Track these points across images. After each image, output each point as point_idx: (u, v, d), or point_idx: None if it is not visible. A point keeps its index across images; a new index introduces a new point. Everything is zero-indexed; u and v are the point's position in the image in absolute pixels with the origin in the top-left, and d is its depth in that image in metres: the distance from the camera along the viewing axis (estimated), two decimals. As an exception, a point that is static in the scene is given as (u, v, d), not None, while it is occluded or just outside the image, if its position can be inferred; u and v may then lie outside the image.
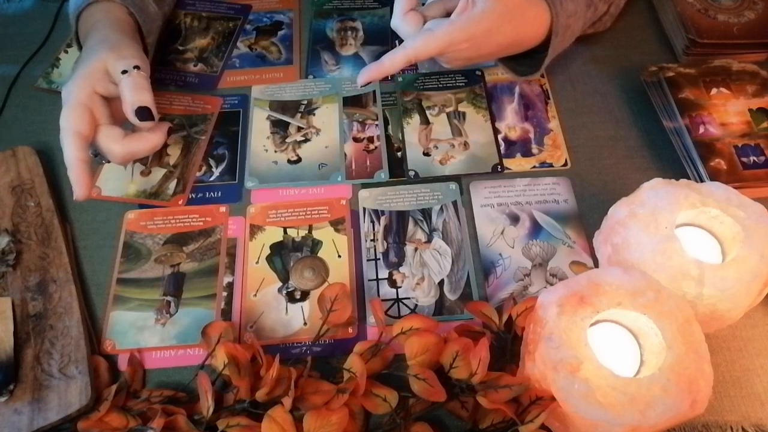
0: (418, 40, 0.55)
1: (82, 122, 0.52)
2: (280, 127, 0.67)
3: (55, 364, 0.49)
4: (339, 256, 0.57)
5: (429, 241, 0.58)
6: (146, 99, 0.54)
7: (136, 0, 0.63)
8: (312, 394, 0.45)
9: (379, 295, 0.55)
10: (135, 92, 0.53)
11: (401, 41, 0.56)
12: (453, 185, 0.61)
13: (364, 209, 0.60)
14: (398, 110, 0.67)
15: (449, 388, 0.45)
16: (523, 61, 0.62)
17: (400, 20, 0.57)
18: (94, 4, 0.60)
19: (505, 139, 0.65)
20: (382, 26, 0.76)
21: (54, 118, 0.67)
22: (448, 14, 0.58)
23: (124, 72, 0.53)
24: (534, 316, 0.45)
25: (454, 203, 0.60)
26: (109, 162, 0.58)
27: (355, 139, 0.65)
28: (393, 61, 0.55)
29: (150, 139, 0.56)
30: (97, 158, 0.57)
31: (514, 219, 0.59)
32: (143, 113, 0.54)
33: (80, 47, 0.62)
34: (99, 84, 0.54)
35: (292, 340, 0.53)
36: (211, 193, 0.62)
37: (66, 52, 0.73)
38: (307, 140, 0.65)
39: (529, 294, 0.54)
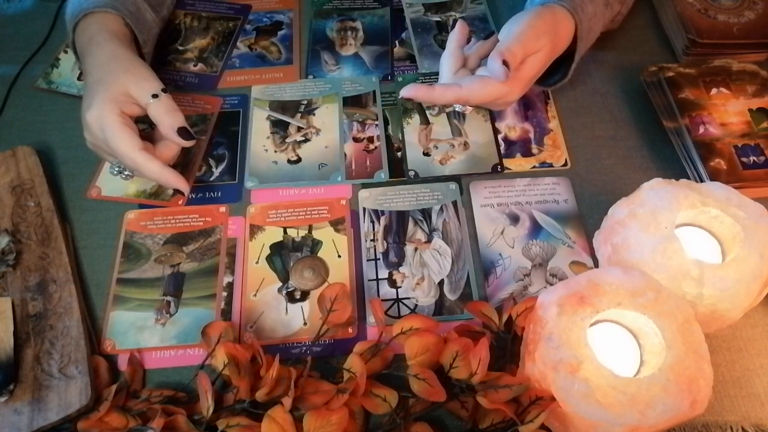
0: (475, 84, 0.55)
1: (136, 139, 0.54)
2: (280, 127, 0.66)
3: (55, 364, 0.49)
4: (339, 256, 0.57)
5: (429, 241, 0.58)
6: (182, 119, 0.57)
7: (132, 10, 0.63)
8: (312, 394, 0.45)
9: (379, 295, 0.55)
10: (172, 115, 0.56)
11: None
12: (453, 185, 0.61)
13: (364, 209, 0.60)
14: (398, 110, 0.67)
15: (449, 388, 0.45)
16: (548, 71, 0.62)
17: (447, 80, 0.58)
18: (90, 15, 0.60)
19: (505, 139, 0.65)
20: (382, 26, 0.76)
21: (54, 118, 0.68)
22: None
23: (154, 96, 0.56)
24: (534, 316, 0.45)
25: (454, 203, 0.60)
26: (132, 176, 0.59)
27: (355, 139, 0.65)
28: (444, 93, 0.55)
29: (170, 145, 0.57)
30: (124, 174, 0.58)
31: (514, 219, 0.59)
32: (185, 133, 0.56)
33: (76, 55, 0.62)
34: (125, 106, 0.55)
35: (292, 340, 0.53)
36: (211, 193, 0.62)
37: (66, 52, 0.73)
38: (307, 140, 0.65)
39: (529, 294, 0.54)
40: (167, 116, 0.56)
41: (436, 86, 0.55)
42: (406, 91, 0.55)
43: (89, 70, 0.57)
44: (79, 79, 0.71)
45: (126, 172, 0.58)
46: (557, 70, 0.62)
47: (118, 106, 0.54)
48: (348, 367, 0.46)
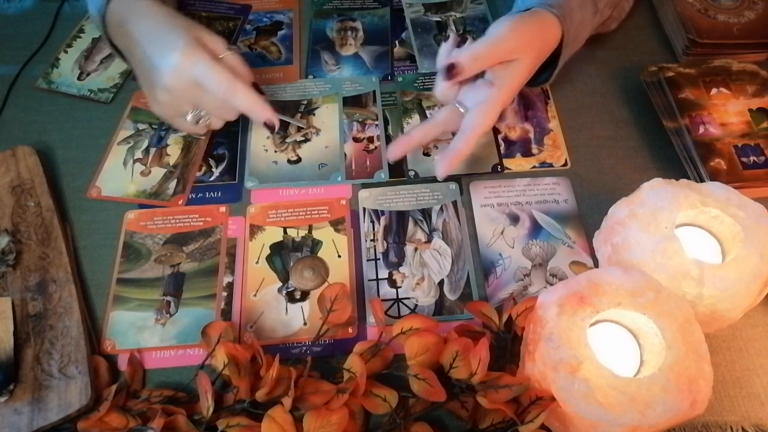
0: (480, 119, 0.55)
1: (229, 72, 0.54)
2: (279, 127, 0.66)
3: (55, 364, 0.49)
4: (339, 256, 0.57)
5: (429, 241, 0.58)
6: (251, 75, 0.58)
7: None
8: (312, 394, 0.45)
9: (379, 295, 0.55)
10: (247, 68, 0.57)
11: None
12: (453, 185, 0.61)
13: (364, 209, 0.60)
14: (398, 110, 0.67)
15: (449, 388, 0.45)
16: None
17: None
18: None
19: (505, 139, 0.65)
20: (382, 26, 0.76)
21: (54, 118, 0.68)
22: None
23: (227, 48, 0.56)
24: (534, 316, 0.45)
25: (454, 203, 0.60)
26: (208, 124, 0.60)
27: (355, 139, 0.65)
28: (468, 144, 0.55)
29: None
30: (202, 122, 0.59)
31: (514, 219, 0.59)
32: (257, 87, 0.58)
33: (107, 33, 0.60)
34: (205, 50, 0.55)
35: (292, 340, 0.53)
36: (211, 193, 0.62)
37: (66, 52, 0.73)
38: (307, 140, 0.65)
39: (529, 294, 0.54)
40: (243, 69, 0.56)
41: (460, 146, 0.55)
42: (443, 170, 0.55)
43: (144, 32, 0.55)
44: (79, 78, 0.71)
45: (205, 119, 0.58)
46: (544, 70, 0.62)
47: (200, 47, 0.54)
48: (348, 367, 0.47)
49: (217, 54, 0.55)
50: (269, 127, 0.57)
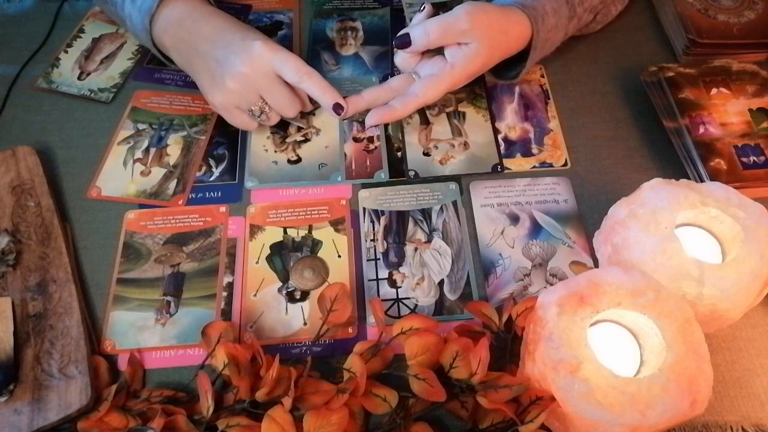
0: (428, 87, 0.57)
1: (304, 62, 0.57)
2: (280, 127, 0.66)
3: (55, 364, 0.49)
4: (339, 256, 0.57)
5: (429, 241, 0.58)
6: (335, 92, 0.59)
7: None
8: (312, 394, 0.45)
9: (379, 295, 0.55)
10: (325, 90, 0.58)
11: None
12: (453, 185, 0.61)
13: (364, 209, 0.60)
14: (398, 110, 0.67)
15: (449, 388, 0.45)
16: (502, 64, 0.63)
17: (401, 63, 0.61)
18: (165, 2, 0.59)
19: (505, 139, 0.65)
20: (382, 26, 0.76)
21: (54, 118, 0.68)
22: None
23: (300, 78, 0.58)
24: (534, 316, 0.45)
25: (454, 203, 0.60)
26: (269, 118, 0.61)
27: (355, 139, 0.65)
28: (405, 107, 0.58)
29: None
30: (265, 115, 0.60)
31: (514, 219, 0.59)
32: (339, 107, 0.59)
33: (153, 41, 0.61)
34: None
35: (292, 340, 0.53)
36: (211, 193, 0.62)
37: (66, 52, 0.73)
38: (307, 140, 0.65)
39: (529, 294, 0.54)
40: (321, 94, 0.58)
41: (395, 105, 0.57)
42: (371, 119, 0.58)
43: (218, 27, 0.58)
44: (79, 78, 0.71)
45: (266, 113, 0.59)
46: (515, 64, 0.62)
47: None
48: (348, 367, 0.47)
49: (289, 81, 0.58)
50: (339, 109, 0.58)
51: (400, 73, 0.61)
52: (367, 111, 0.58)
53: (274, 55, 0.56)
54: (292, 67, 0.56)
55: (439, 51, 0.58)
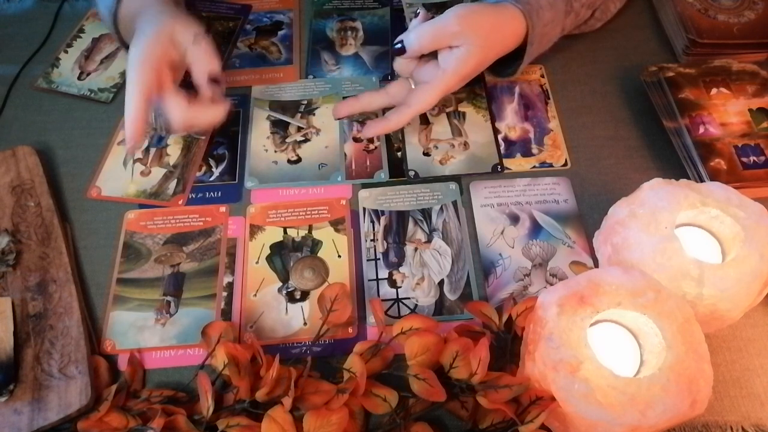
0: (421, 97, 0.57)
1: (151, 81, 0.53)
2: (280, 127, 0.66)
3: (55, 364, 0.49)
4: (339, 256, 0.57)
5: (429, 241, 0.58)
6: (218, 66, 0.57)
7: None
8: (312, 394, 0.45)
9: (379, 295, 0.55)
10: (209, 58, 0.56)
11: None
12: (453, 185, 0.61)
13: (364, 209, 0.60)
14: (398, 110, 0.67)
15: (449, 388, 0.45)
16: (500, 61, 0.63)
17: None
18: None
19: (505, 139, 0.65)
20: (382, 26, 0.76)
21: (54, 118, 0.68)
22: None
23: (196, 38, 0.56)
24: (534, 316, 0.45)
25: (454, 203, 0.60)
26: (163, 133, 0.60)
27: (355, 139, 0.65)
28: (400, 118, 0.58)
29: (211, 112, 0.57)
30: (156, 122, 0.59)
31: (514, 219, 0.59)
32: (216, 81, 0.57)
33: (119, 36, 0.62)
34: (167, 50, 0.55)
35: (292, 340, 0.53)
36: (211, 193, 0.62)
37: (66, 52, 0.73)
38: (307, 140, 0.65)
39: (529, 294, 0.54)
40: (203, 60, 0.56)
41: (390, 117, 0.58)
42: (368, 131, 0.60)
43: (141, 27, 0.57)
44: (79, 78, 0.71)
45: (157, 121, 0.58)
46: (513, 61, 0.62)
47: (160, 47, 0.54)
48: (348, 367, 0.47)
49: (183, 46, 0.56)
50: (215, 82, 0.57)
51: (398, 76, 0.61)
52: (363, 114, 0.59)
53: (128, 82, 0.53)
54: (127, 81, 0.53)
55: (436, 55, 0.58)
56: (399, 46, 0.56)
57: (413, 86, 0.59)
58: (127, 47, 0.62)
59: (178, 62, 0.56)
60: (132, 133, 0.53)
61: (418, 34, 0.55)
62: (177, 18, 0.57)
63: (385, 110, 0.63)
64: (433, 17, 0.57)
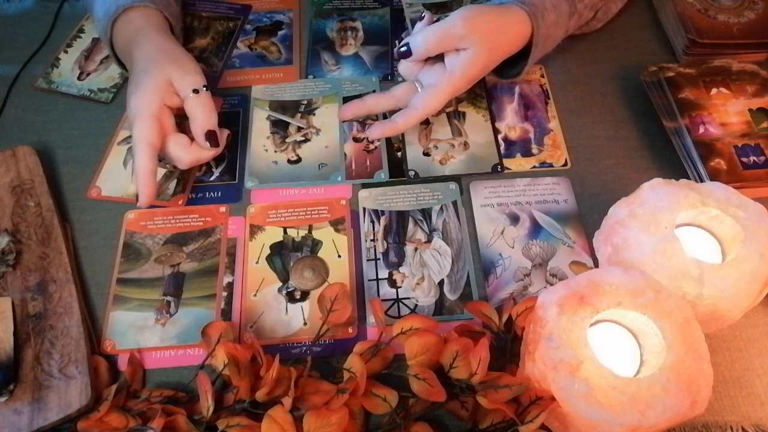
0: (428, 99, 0.57)
1: (154, 133, 0.54)
2: (280, 127, 0.66)
3: (55, 364, 0.49)
4: (339, 256, 0.57)
5: (429, 241, 0.58)
6: (214, 122, 0.57)
7: (165, 3, 0.64)
8: (312, 394, 0.45)
9: (379, 295, 0.55)
10: (205, 114, 0.56)
11: (401, 41, 0.58)
12: (453, 185, 0.61)
13: (364, 209, 0.60)
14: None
15: (449, 388, 0.45)
16: (504, 63, 0.63)
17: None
18: (131, 10, 0.61)
19: (505, 139, 0.65)
20: (382, 26, 0.76)
21: (54, 118, 0.68)
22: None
23: (195, 91, 0.56)
24: (534, 316, 0.45)
25: (454, 203, 0.60)
26: (173, 168, 0.62)
27: (355, 139, 0.65)
28: (406, 121, 0.58)
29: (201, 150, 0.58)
30: (161, 162, 0.60)
31: (514, 219, 0.59)
32: (211, 137, 0.57)
33: (113, 50, 0.63)
34: (167, 97, 0.56)
35: (292, 340, 0.53)
36: (211, 193, 0.62)
37: (66, 52, 0.73)
38: (307, 140, 0.65)
39: (529, 294, 0.54)
40: (201, 115, 0.56)
41: (397, 120, 0.58)
42: (373, 132, 0.59)
43: (136, 60, 0.58)
44: (79, 78, 0.71)
45: (162, 161, 0.59)
46: (517, 63, 0.62)
47: (160, 96, 0.55)
48: (348, 367, 0.46)
49: (182, 96, 0.57)
50: (212, 138, 0.57)
51: (399, 74, 0.62)
52: (367, 115, 0.59)
53: (134, 139, 0.54)
54: (133, 139, 0.54)
55: (441, 57, 0.58)
56: (405, 49, 0.56)
57: (419, 89, 0.59)
58: (116, 55, 0.64)
59: (178, 105, 0.57)
60: (144, 187, 0.54)
61: (424, 37, 0.55)
62: (176, 61, 0.57)
63: (388, 113, 0.63)
64: (438, 20, 0.57)
